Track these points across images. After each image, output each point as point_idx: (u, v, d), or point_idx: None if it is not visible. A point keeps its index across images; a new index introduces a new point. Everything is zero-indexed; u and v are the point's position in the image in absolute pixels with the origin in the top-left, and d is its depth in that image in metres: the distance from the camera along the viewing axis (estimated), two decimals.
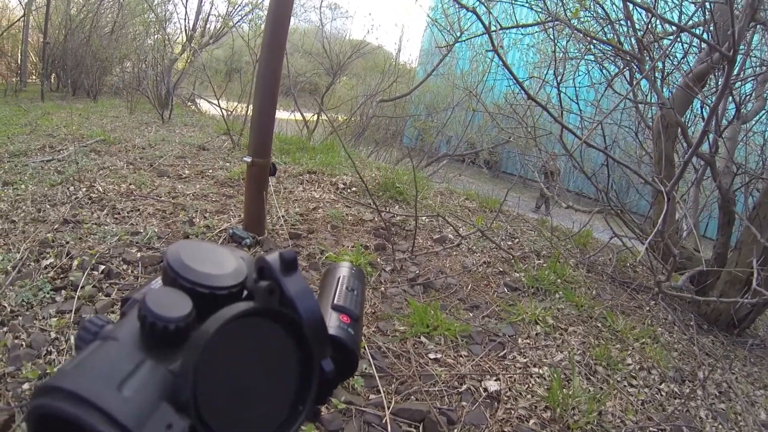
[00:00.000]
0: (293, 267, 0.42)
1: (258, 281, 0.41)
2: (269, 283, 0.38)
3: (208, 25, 9.27)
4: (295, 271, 0.42)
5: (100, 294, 2.17)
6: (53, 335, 1.88)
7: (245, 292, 0.42)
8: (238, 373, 0.35)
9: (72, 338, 1.86)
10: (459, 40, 4.60)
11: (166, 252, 0.40)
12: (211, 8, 9.72)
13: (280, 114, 3.05)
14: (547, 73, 4.28)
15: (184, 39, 9.29)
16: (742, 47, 2.82)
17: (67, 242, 2.52)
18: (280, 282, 0.41)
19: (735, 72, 2.88)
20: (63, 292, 2.14)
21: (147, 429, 0.30)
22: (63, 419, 0.30)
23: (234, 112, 7.80)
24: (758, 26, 3.07)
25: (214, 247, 0.44)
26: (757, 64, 3.42)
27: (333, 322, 0.49)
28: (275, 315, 0.37)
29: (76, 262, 2.34)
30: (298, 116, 8.69)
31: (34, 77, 11.12)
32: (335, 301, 0.53)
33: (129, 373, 0.32)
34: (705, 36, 3.23)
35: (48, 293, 2.11)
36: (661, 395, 2.20)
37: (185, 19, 9.30)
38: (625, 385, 2.20)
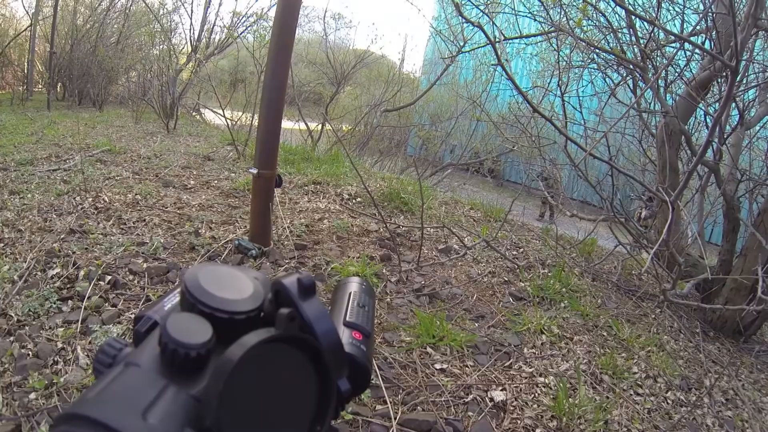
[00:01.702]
0: (311, 292, 0.42)
1: (277, 306, 0.41)
2: (290, 311, 0.39)
3: (213, 36, 9.33)
4: (313, 296, 0.42)
5: (107, 304, 2.18)
6: (60, 345, 1.89)
7: (262, 314, 0.42)
8: (259, 396, 0.35)
9: (78, 348, 1.87)
10: (462, 51, 4.61)
11: (184, 277, 0.40)
12: (216, 19, 9.81)
13: (285, 124, 3.06)
14: (550, 81, 4.29)
15: (189, 49, 9.36)
16: (744, 54, 2.82)
17: (74, 252, 2.54)
18: (298, 306, 0.41)
19: (737, 79, 2.88)
20: (70, 302, 2.16)
21: None
22: None
23: (238, 122, 7.84)
24: (761, 32, 3.07)
25: (230, 269, 0.44)
26: (761, 70, 3.41)
27: (346, 339, 0.49)
28: (295, 341, 0.38)
29: (82, 273, 2.35)
30: (303, 126, 8.71)
31: (40, 86, 11.22)
32: (347, 318, 0.53)
33: (153, 399, 0.32)
34: (707, 43, 3.23)
35: (54, 303, 2.12)
36: (668, 403, 2.19)
37: (190, 30, 9.37)
38: (631, 394, 2.19)
